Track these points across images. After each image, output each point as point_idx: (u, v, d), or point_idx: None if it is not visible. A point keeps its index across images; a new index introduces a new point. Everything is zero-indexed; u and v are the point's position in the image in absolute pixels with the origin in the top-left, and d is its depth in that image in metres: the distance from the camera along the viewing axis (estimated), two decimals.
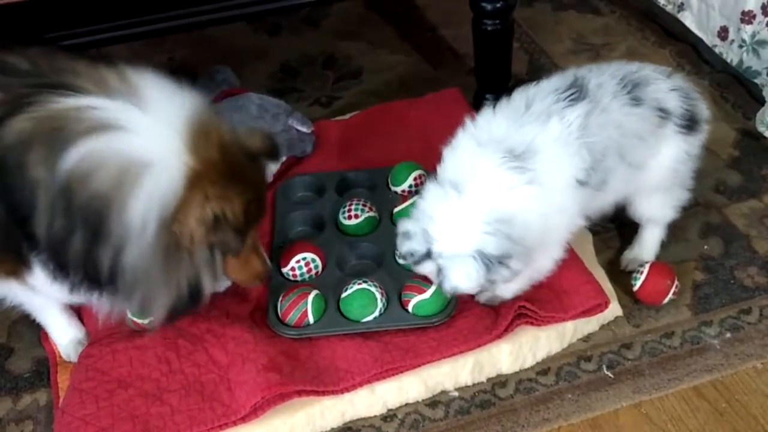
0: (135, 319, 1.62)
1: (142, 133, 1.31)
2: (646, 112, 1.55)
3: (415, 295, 1.59)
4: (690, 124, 1.61)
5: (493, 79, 2.17)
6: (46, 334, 1.70)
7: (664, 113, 1.58)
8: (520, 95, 1.53)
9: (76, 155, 1.29)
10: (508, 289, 1.63)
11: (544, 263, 1.60)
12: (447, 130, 1.54)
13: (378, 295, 1.59)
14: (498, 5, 2.01)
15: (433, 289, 1.58)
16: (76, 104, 1.31)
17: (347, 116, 2.20)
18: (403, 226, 1.49)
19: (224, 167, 1.36)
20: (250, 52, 2.52)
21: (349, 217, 1.78)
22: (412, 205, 1.75)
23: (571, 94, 1.50)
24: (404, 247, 1.48)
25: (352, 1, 2.54)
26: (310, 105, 2.33)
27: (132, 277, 1.35)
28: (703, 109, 1.66)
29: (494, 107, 1.52)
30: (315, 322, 1.60)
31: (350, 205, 1.79)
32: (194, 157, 1.33)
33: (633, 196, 1.67)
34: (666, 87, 1.60)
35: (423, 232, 1.44)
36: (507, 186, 1.42)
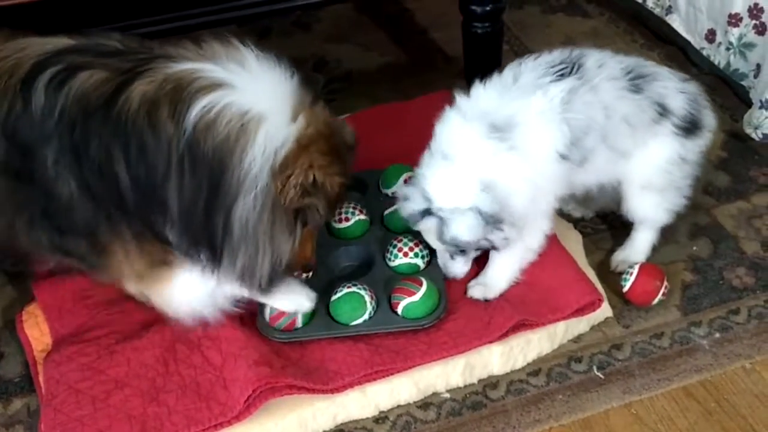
0: None
1: (251, 91, 1.39)
2: (643, 102, 1.57)
3: (405, 298, 1.59)
4: (690, 127, 1.62)
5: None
6: (22, 326, 1.69)
7: (663, 109, 1.59)
8: (510, 69, 1.56)
9: (199, 108, 1.35)
10: (499, 279, 1.64)
11: (534, 238, 1.61)
12: None
13: (367, 299, 1.60)
14: (488, 8, 2.03)
15: (422, 291, 1.59)
16: (187, 67, 1.39)
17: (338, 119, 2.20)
18: (401, 191, 1.56)
19: (331, 144, 1.44)
20: None
21: (340, 221, 1.78)
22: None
23: (560, 69, 1.52)
24: (405, 209, 1.55)
25: (342, 4, 2.54)
26: None
27: (239, 232, 1.40)
28: (709, 117, 1.67)
29: (484, 82, 1.55)
30: (304, 326, 1.60)
31: (342, 207, 1.80)
32: (307, 123, 1.41)
33: (623, 189, 1.68)
34: (675, 87, 1.61)
35: (422, 192, 1.51)
36: (489, 153, 1.47)
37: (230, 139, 1.37)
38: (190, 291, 1.54)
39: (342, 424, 1.56)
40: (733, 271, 1.80)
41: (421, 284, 1.60)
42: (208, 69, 1.40)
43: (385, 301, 1.62)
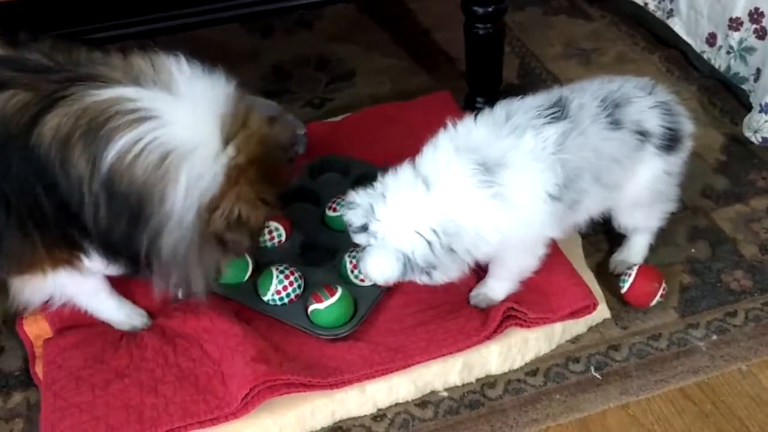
0: None
1: (178, 122, 1.33)
2: (625, 136, 1.55)
3: (313, 303, 1.60)
4: (670, 144, 1.60)
5: (484, 83, 2.19)
6: (21, 323, 1.69)
7: (642, 136, 1.57)
8: (502, 107, 1.53)
9: (116, 147, 1.30)
10: (498, 289, 1.65)
11: (527, 262, 1.61)
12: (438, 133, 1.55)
13: (274, 279, 1.62)
14: (489, 9, 2.03)
15: (330, 301, 1.58)
16: (109, 96, 1.32)
17: (339, 118, 2.21)
18: (351, 196, 1.49)
19: (263, 167, 1.39)
20: (243, 54, 2.53)
21: (330, 208, 1.81)
22: None
23: (553, 113, 1.49)
24: (345, 215, 1.49)
25: (345, 4, 2.55)
26: (302, 107, 2.34)
27: (168, 260, 1.38)
28: (687, 125, 1.65)
29: (476, 116, 1.52)
30: (225, 282, 1.63)
31: (338, 198, 1.80)
32: (237, 149, 1.36)
33: (613, 211, 1.69)
34: (647, 105, 1.58)
35: (369, 207, 1.44)
36: (471, 199, 1.42)
37: (148, 184, 1.32)
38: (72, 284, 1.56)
39: (340, 421, 1.56)
40: (731, 273, 1.81)
41: (333, 294, 1.59)
42: (131, 97, 1.32)
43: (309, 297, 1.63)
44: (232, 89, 1.40)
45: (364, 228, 1.45)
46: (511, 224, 1.45)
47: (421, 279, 1.46)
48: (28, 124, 1.32)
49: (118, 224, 1.36)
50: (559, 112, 1.50)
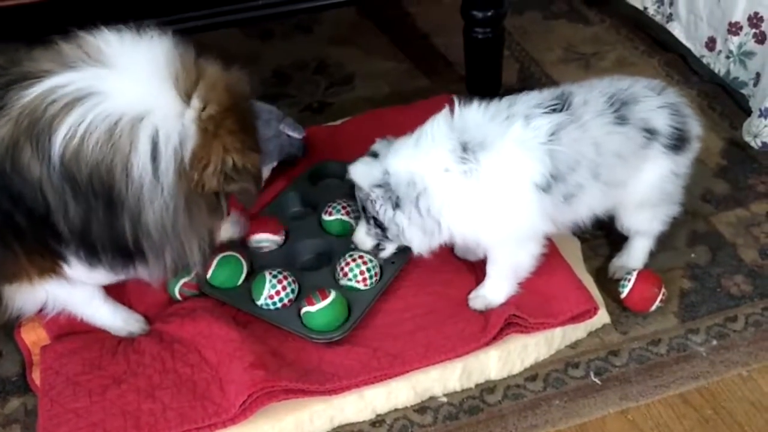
0: (185, 281, 1.67)
1: (118, 92, 1.28)
2: (631, 132, 1.55)
3: (305, 305, 1.60)
4: (678, 143, 1.61)
5: (483, 87, 2.19)
6: (19, 331, 1.69)
7: (650, 133, 1.57)
8: (508, 99, 1.57)
9: (61, 136, 1.27)
10: (496, 291, 1.64)
11: (521, 259, 1.61)
12: None
13: (267, 284, 1.62)
14: (489, 14, 2.04)
15: (322, 305, 1.59)
16: (43, 89, 1.29)
17: (338, 122, 2.21)
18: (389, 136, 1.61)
19: (238, 114, 1.35)
20: (243, 58, 2.49)
21: (326, 212, 1.81)
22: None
23: (553, 105, 1.52)
24: (376, 142, 1.60)
25: (344, 8, 2.55)
26: (301, 110, 2.34)
27: (158, 234, 1.34)
28: (695, 126, 1.65)
29: (481, 103, 1.56)
30: (219, 286, 1.67)
31: (334, 202, 1.82)
32: (203, 101, 1.31)
33: (617, 210, 1.69)
34: (655, 104, 1.59)
35: (389, 143, 1.57)
36: (441, 169, 1.49)
37: (105, 160, 1.26)
38: (62, 293, 1.55)
39: (339, 427, 1.56)
40: (730, 278, 1.80)
41: (325, 297, 1.60)
42: (63, 84, 1.28)
43: (302, 302, 1.63)
44: (173, 44, 1.35)
45: (376, 155, 1.55)
46: (487, 207, 1.49)
47: (386, 213, 1.53)
48: None
49: (94, 216, 1.32)
50: (559, 104, 1.52)
